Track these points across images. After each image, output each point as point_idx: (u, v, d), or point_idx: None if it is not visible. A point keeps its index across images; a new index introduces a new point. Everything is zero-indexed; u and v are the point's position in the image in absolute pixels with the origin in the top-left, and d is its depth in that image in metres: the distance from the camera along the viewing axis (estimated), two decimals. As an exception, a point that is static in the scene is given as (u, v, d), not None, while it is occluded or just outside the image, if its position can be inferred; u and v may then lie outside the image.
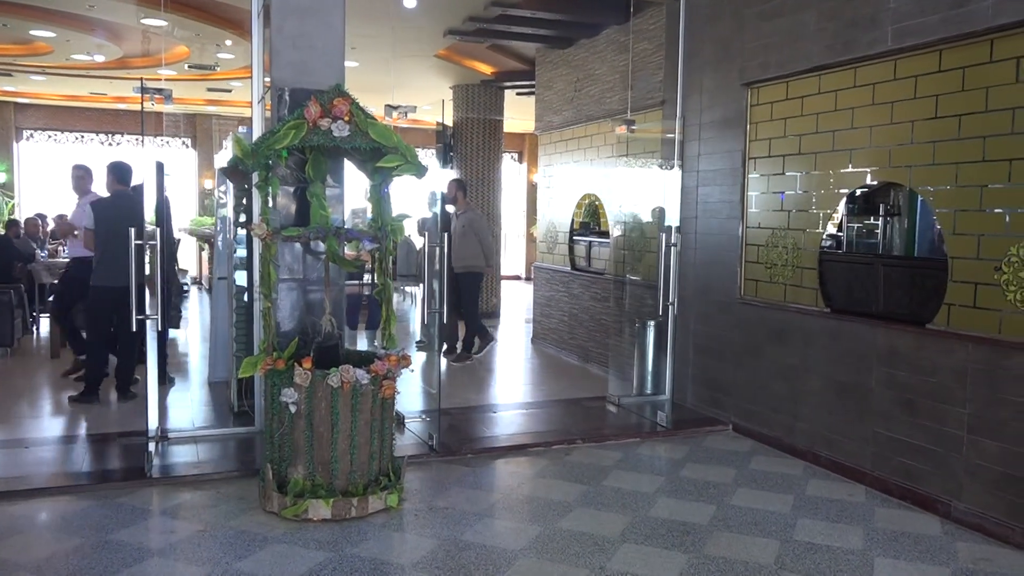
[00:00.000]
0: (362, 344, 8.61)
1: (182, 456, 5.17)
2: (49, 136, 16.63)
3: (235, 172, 4.42)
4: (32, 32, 9.48)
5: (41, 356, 8.54)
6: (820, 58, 5.20)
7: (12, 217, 11.94)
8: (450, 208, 8.42)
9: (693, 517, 4.34)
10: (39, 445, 5.36)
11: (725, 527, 4.22)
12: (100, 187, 6.93)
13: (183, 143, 17.49)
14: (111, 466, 4.98)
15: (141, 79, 5.12)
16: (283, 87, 4.75)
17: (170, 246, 9.30)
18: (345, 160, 4.86)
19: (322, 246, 4.66)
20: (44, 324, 9.59)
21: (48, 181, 16.30)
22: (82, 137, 16.78)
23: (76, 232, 6.88)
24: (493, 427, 6.13)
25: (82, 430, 5.83)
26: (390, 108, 5.93)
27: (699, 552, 3.90)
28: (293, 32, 4.79)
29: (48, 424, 5.97)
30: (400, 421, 5.99)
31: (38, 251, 10.41)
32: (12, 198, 15.59)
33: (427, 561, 3.74)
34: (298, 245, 4.84)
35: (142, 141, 5.61)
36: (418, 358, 8.28)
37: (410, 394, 6.80)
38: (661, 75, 6.99)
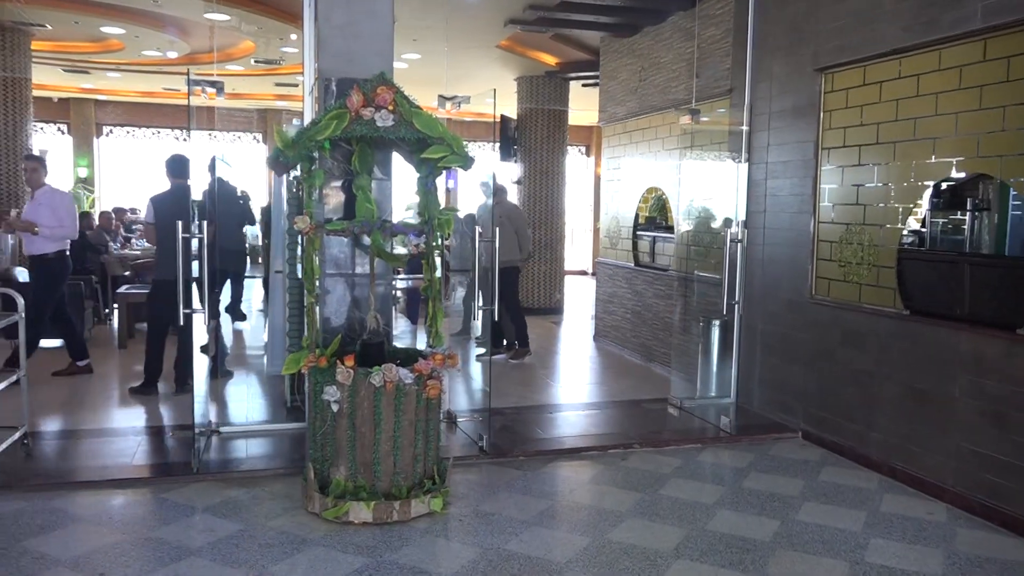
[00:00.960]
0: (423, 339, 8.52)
1: (232, 452, 5.13)
2: (127, 131, 17.12)
3: (278, 164, 4.32)
4: (103, 29, 9.68)
5: (111, 346, 8.69)
6: (900, 40, 4.82)
7: (85, 210, 12.27)
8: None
9: (755, 532, 4.06)
10: (93, 437, 5.40)
11: (789, 545, 3.92)
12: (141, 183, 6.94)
13: (254, 138, 17.76)
14: (160, 460, 4.97)
15: (188, 70, 5.06)
16: (330, 77, 4.63)
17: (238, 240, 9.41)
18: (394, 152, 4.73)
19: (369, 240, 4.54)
20: (116, 315, 9.77)
21: (126, 175, 16.79)
22: (158, 132, 17.21)
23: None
24: (548, 428, 5.92)
25: (139, 422, 5.86)
26: (443, 99, 5.77)
27: (760, 572, 3.63)
28: (340, 21, 4.66)
29: (105, 416, 6.02)
30: (452, 420, 5.85)
31: (111, 243, 10.65)
32: (92, 192, 16.09)
33: (467, 572, 3.57)
34: (346, 239, 4.73)
35: (188, 135, 5.58)
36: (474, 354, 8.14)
37: (465, 391, 6.66)
38: (729, 62, 6.66)
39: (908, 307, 4.88)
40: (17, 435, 4.80)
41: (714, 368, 6.59)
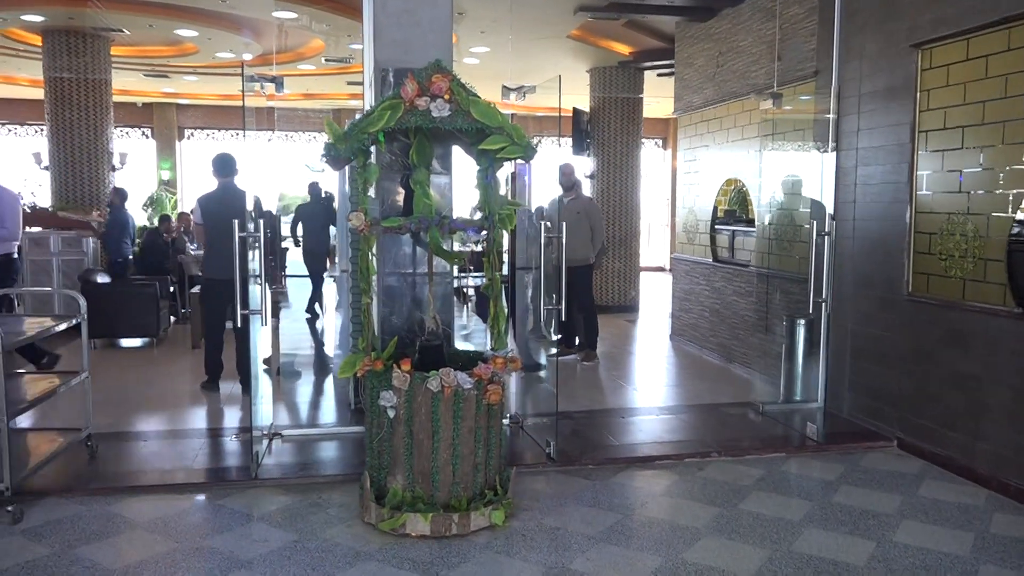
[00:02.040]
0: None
1: (293, 456, 5.01)
2: (208, 134, 17.48)
3: (334, 159, 4.14)
4: (177, 32, 9.79)
5: (186, 346, 8.77)
6: (1009, 7, 4.33)
7: (164, 213, 12.52)
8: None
9: (847, 555, 3.68)
10: (158, 439, 5.37)
11: (887, 570, 3.53)
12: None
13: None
14: (220, 464, 4.87)
15: (242, 64, 4.95)
16: (387, 67, 4.45)
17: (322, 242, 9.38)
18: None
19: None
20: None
21: (208, 178, 17.15)
22: (238, 134, 17.51)
23: None
24: (620, 434, 5.62)
25: (204, 424, 5.82)
26: (507, 89, 5.52)
27: (852, 601, 3.27)
28: (397, 9, 4.47)
29: (171, 417, 6.00)
30: (518, 424, 5.61)
31: (188, 244, 10.81)
32: (175, 194, 16.48)
33: (528, 593, 3.32)
34: (408, 237, 4.54)
35: (244, 133, 5.51)
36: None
37: (533, 393, 6.40)
38: (813, 42, 6.21)
39: (1020, 305, 4.39)
40: (82, 436, 4.78)
41: (799, 370, 6.16)
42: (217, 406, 6.21)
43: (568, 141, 11.89)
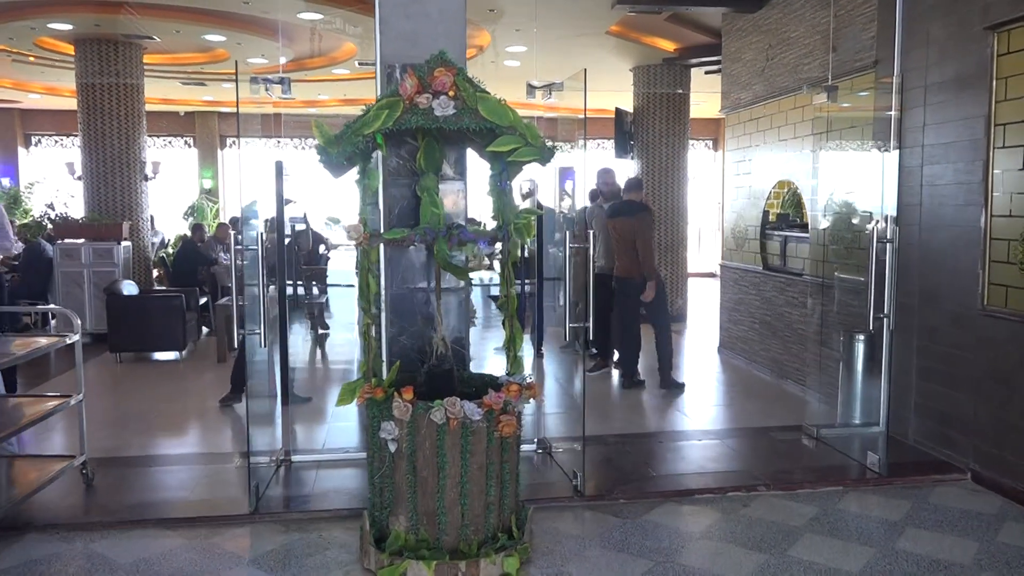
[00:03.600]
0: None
1: (299, 486, 4.65)
2: (246, 142, 17.37)
3: (333, 166, 3.75)
4: (205, 37, 9.59)
5: (211, 360, 8.52)
6: (1107, -21, 3.75)
7: (197, 222, 12.38)
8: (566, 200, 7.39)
9: (915, 620, 3.15)
10: (161, 464, 5.07)
11: (964, 641, 3.00)
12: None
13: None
14: (219, 495, 4.51)
15: (235, 64, 4.62)
16: (393, 63, 4.04)
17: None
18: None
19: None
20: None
21: (251, 186, 17.04)
22: (279, 142, 17.40)
23: None
24: (656, 462, 5.13)
25: (211, 447, 5.50)
26: (531, 88, 5.08)
27: None
28: (404, -1, 4.07)
29: (182, 440, 5.72)
30: (546, 450, 5.16)
31: (222, 255, 10.61)
32: (216, 203, 16.43)
33: (537, 663, 2.87)
34: (423, 248, 4.13)
35: (239, 139, 5.17)
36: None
37: (566, 414, 5.94)
38: (873, 30, 5.63)
39: (1120, 323, 3.79)
40: (76, 464, 4.48)
41: (858, 391, 5.59)
42: (234, 427, 5.90)
43: (609, 143, 11.41)
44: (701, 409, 6.48)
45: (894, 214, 5.19)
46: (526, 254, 7.34)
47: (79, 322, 4.51)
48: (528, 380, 3.72)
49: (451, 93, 3.42)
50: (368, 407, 3.64)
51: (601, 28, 8.92)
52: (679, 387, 6.94)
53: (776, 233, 7.59)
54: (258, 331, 4.33)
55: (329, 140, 3.42)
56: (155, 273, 11.50)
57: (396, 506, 3.59)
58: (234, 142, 17.38)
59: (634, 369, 7.09)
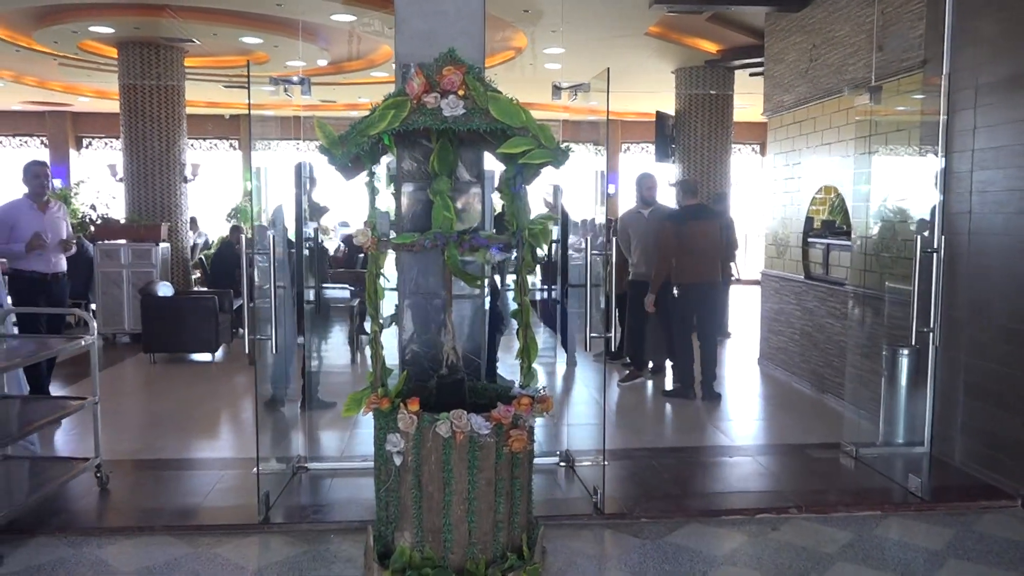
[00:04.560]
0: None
1: (312, 495, 4.56)
2: (298, 146, 17.52)
3: (346, 169, 3.63)
4: (241, 40, 9.63)
5: (243, 363, 8.52)
6: None
7: (235, 224, 12.46)
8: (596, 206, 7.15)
9: (951, 663, 2.90)
10: (179, 468, 5.02)
11: None
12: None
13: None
14: (231, 503, 4.43)
15: (247, 63, 4.55)
16: (408, 62, 3.91)
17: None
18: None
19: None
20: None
21: (278, 189, 17.19)
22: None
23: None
24: (683, 479, 4.91)
25: (232, 452, 5.44)
26: (557, 89, 4.91)
27: None
28: (421, -5, 3.94)
29: (203, 443, 5.66)
30: (569, 463, 4.98)
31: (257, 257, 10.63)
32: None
33: None
34: (440, 253, 3.99)
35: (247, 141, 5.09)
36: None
37: (595, 424, 5.75)
38: (921, 27, 5.35)
39: None
40: (91, 466, 4.44)
41: (901, 408, 5.29)
42: (270, 429, 5.83)
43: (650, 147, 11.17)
44: (736, 423, 6.23)
45: (941, 223, 4.90)
46: (546, 259, 7.19)
47: (95, 324, 4.48)
48: (541, 392, 3.56)
49: (460, 92, 3.28)
50: (374, 418, 3.52)
51: (640, 29, 8.72)
52: (716, 398, 6.72)
53: (818, 241, 7.30)
54: (268, 337, 4.24)
55: (333, 141, 3.31)
56: (195, 274, 11.61)
57: (401, 521, 3.46)
58: (278, 144, 17.55)
59: (692, 378, 6.89)
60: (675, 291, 6.73)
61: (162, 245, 9.64)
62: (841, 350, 6.50)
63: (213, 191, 15.95)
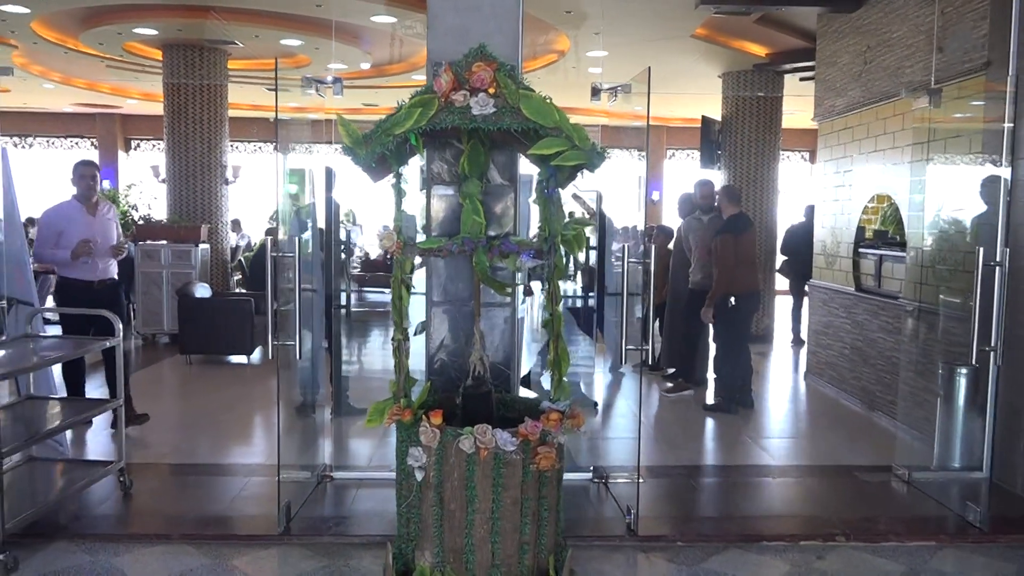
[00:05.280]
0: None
1: (336, 505, 4.44)
2: (336, 148, 17.58)
3: (372, 170, 3.49)
4: (282, 42, 9.61)
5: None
6: None
7: (271, 226, 12.45)
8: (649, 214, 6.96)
9: None
10: (204, 474, 4.93)
11: None
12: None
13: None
14: (253, 512, 4.32)
15: (275, 61, 4.45)
16: (440, 60, 3.76)
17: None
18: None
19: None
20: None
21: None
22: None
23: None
24: (723, 500, 4.68)
25: (261, 458, 5.34)
26: (596, 90, 4.72)
27: None
28: (454, -10, 3.80)
29: (231, 448, 5.58)
30: (603, 480, 4.77)
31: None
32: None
33: None
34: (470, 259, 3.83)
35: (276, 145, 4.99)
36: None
37: (629, 439, 5.54)
38: (984, 28, 5.05)
39: None
40: (113, 470, 4.37)
41: (959, 430, 4.99)
42: (292, 437, 5.73)
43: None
44: (780, 441, 5.96)
45: (1004, 235, 4.60)
46: (584, 265, 7.01)
47: (120, 326, 4.41)
48: (571, 407, 3.38)
49: (491, 90, 3.12)
50: (396, 430, 3.37)
51: (686, 31, 8.48)
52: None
53: (871, 252, 6.99)
54: (291, 342, 4.13)
55: (357, 140, 3.17)
56: (235, 276, 11.64)
57: (422, 539, 3.30)
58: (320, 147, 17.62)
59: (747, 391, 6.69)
60: (732, 301, 6.51)
61: (202, 246, 9.66)
62: (893, 366, 6.19)
63: (257, 194, 16.04)
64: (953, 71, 5.37)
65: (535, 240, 3.46)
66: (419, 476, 3.24)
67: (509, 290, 3.68)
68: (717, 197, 7.08)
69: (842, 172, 7.41)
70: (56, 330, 10.34)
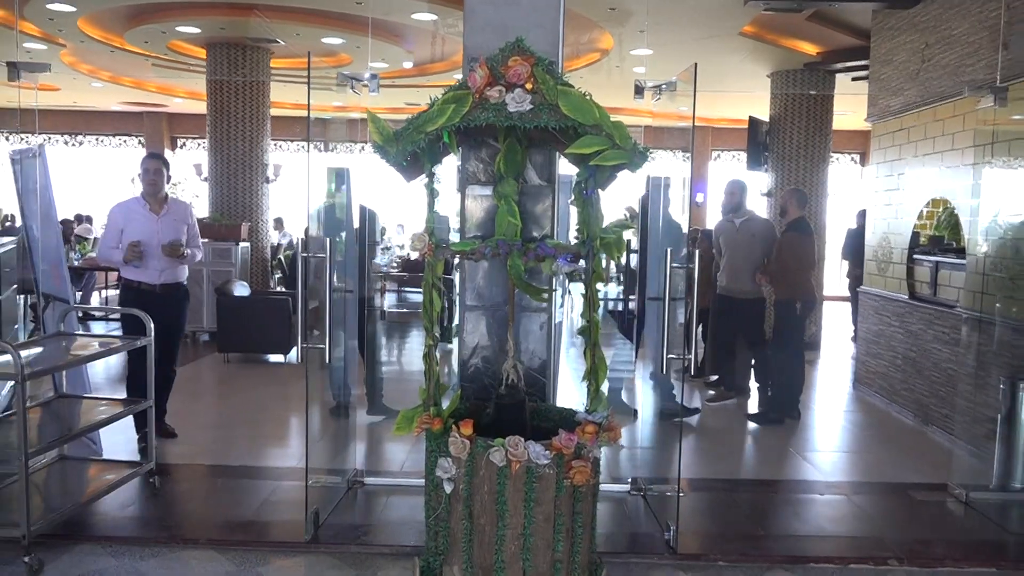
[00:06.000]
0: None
1: (366, 513, 4.33)
2: (360, 148, 17.59)
3: (405, 169, 3.37)
4: (324, 40, 9.58)
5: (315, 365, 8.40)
6: None
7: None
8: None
9: None
10: (233, 476, 4.85)
11: None
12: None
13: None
14: (282, 517, 4.22)
15: (339, 74, 4.39)
16: (477, 56, 3.63)
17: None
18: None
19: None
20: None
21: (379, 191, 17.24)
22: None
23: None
24: (768, 517, 4.46)
25: (294, 461, 5.26)
26: (640, 88, 4.54)
27: None
28: (493, -16, 3.66)
29: (264, 450, 5.50)
30: (642, 493, 4.59)
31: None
32: (344, 207, 16.66)
33: None
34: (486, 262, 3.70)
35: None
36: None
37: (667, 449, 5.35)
38: (1056, 22, 4.77)
39: None
40: (143, 471, 4.32)
41: (1020, 448, 4.71)
42: (328, 440, 5.66)
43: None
44: (828, 455, 5.71)
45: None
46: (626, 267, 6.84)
47: (152, 325, 4.34)
48: (609, 419, 3.22)
49: (528, 86, 2.97)
50: (426, 439, 3.24)
51: (733, 29, 8.24)
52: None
53: (926, 258, 6.69)
54: (322, 345, 4.03)
55: (387, 137, 3.05)
56: (276, 275, 11.67)
57: (450, 554, 3.17)
58: (363, 147, 17.65)
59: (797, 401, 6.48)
60: (798, 308, 6.30)
61: (242, 244, 9.68)
62: (949, 379, 5.90)
63: (299, 192, 16.13)
64: (1019, 69, 5.08)
65: (574, 244, 3.31)
66: (448, 488, 3.11)
67: (545, 296, 3.53)
68: (783, 198, 6.85)
69: (896, 175, 7.12)
70: (98, 328, 10.49)
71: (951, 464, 5.16)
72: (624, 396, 6.28)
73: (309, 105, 4.03)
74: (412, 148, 3.00)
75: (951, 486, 4.75)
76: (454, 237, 3.93)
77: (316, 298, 4.17)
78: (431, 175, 3.27)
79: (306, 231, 4.77)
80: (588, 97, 2.98)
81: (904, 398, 6.67)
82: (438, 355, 3.37)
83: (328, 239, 3.94)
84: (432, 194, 3.28)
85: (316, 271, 4.09)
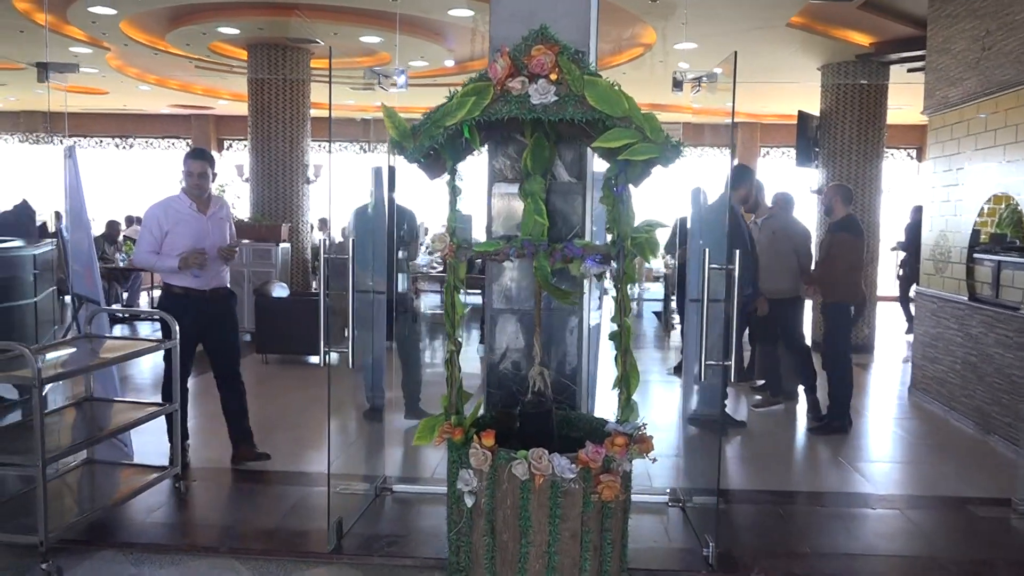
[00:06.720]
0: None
1: (392, 523, 4.20)
2: (339, 147, 17.53)
3: (425, 165, 3.22)
4: (362, 39, 9.51)
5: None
6: None
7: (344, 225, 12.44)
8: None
9: None
10: (262, 482, 4.77)
11: None
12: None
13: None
14: (306, 526, 4.11)
15: (366, 70, 4.26)
16: (503, 46, 3.47)
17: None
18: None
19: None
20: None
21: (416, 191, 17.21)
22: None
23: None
24: (814, 533, 4.21)
25: (323, 467, 5.14)
26: (678, 82, 4.33)
27: None
28: (520, -28, 3.50)
29: (298, 454, 5.41)
30: (681, 505, 4.38)
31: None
32: (385, 208, 16.67)
33: None
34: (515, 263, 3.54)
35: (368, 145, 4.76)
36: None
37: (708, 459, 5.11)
38: None
39: None
40: (168, 476, 4.26)
41: (1092, 462, 4.39)
42: (359, 445, 5.55)
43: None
44: (880, 466, 5.41)
45: None
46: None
47: (177, 327, 4.28)
48: (642, 430, 3.03)
49: (553, 76, 2.80)
50: (448, 449, 3.10)
51: (781, 20, 7.93)
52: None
53: (987, 257, 6.32)
54: (345, 349, 3.92)
55: (404, 133, 2.91)
56: (318, 275, 11.65)
57: (472, 571, 3.02)
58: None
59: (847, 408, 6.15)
60: (852, 310, 6.04)
61: (282, 245, 9.67)
62: (1013, 385, 5.55)
63: (341, 193, 16.17)
64: (1090, 54, 4.74)
65: (605, 244, 3.13)
66: (469, 502, 2.96)
67: (574, 299, 3.35)
68: (826, 196, 6.57)
69: (954, 170, 6.76)
70: (144, 329, 10.59)
71: (1015, 477, 4.82)
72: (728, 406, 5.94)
73: (331, 102, 3.91)
74: (430, 144, 2.85)
75: (1015, 502, 4.44)
76: (484, 237, 3.77)
77: (339, 301, 4.05)
78: (453, 172, 3.12)
79: (328, 232, 4.65)
80: (617, 87, 2.79)
81: (964, 405, 6.31)
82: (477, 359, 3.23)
83: (351, 240, 3.80)
84: (454, 192, 3.13)
85: (340, 272, 3.97)
